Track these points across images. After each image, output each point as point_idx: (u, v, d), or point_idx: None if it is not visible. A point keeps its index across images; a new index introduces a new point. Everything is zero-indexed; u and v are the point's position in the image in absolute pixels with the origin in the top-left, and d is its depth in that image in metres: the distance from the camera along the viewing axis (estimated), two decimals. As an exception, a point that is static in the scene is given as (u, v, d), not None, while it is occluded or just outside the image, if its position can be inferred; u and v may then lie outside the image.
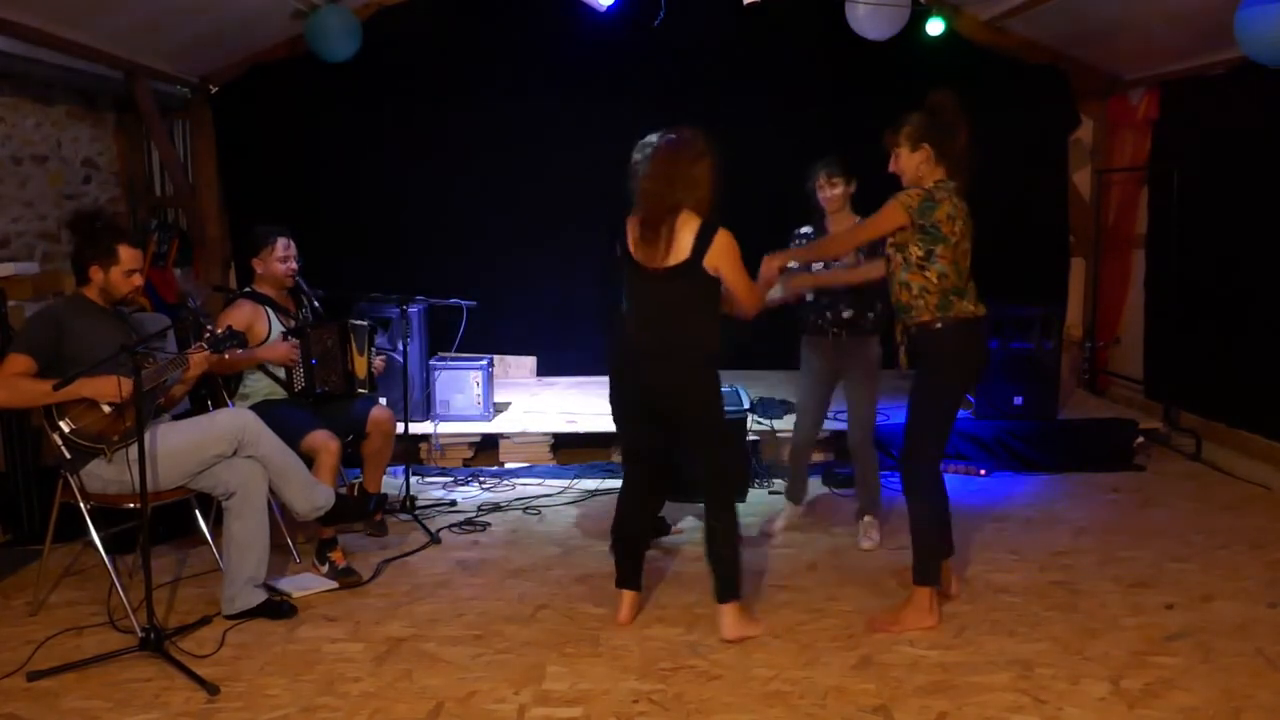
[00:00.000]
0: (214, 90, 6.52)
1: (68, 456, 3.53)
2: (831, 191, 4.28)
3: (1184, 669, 3.30)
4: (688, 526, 4.64)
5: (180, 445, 3.64)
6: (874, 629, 3.57)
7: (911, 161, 3.54)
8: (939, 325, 3.50)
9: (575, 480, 5.48)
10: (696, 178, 3.37)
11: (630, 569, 3.68)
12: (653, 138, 4.04)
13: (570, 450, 5.88)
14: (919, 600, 3.60)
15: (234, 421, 3.74)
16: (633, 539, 3.68)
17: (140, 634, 3.34)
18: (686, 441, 3.56)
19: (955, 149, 3.51)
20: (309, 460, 4.02)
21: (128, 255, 3.70)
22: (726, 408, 4.99)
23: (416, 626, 3.64)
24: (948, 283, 3.48)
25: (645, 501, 3.72)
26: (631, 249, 3.44)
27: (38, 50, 4.98)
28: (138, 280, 3.78)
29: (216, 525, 3.96)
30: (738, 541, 3.60)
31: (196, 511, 4.09)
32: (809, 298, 4.36)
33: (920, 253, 3.47)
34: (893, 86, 6.38)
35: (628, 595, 3.67)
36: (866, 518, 4.48)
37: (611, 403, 3.65)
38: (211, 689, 3.13)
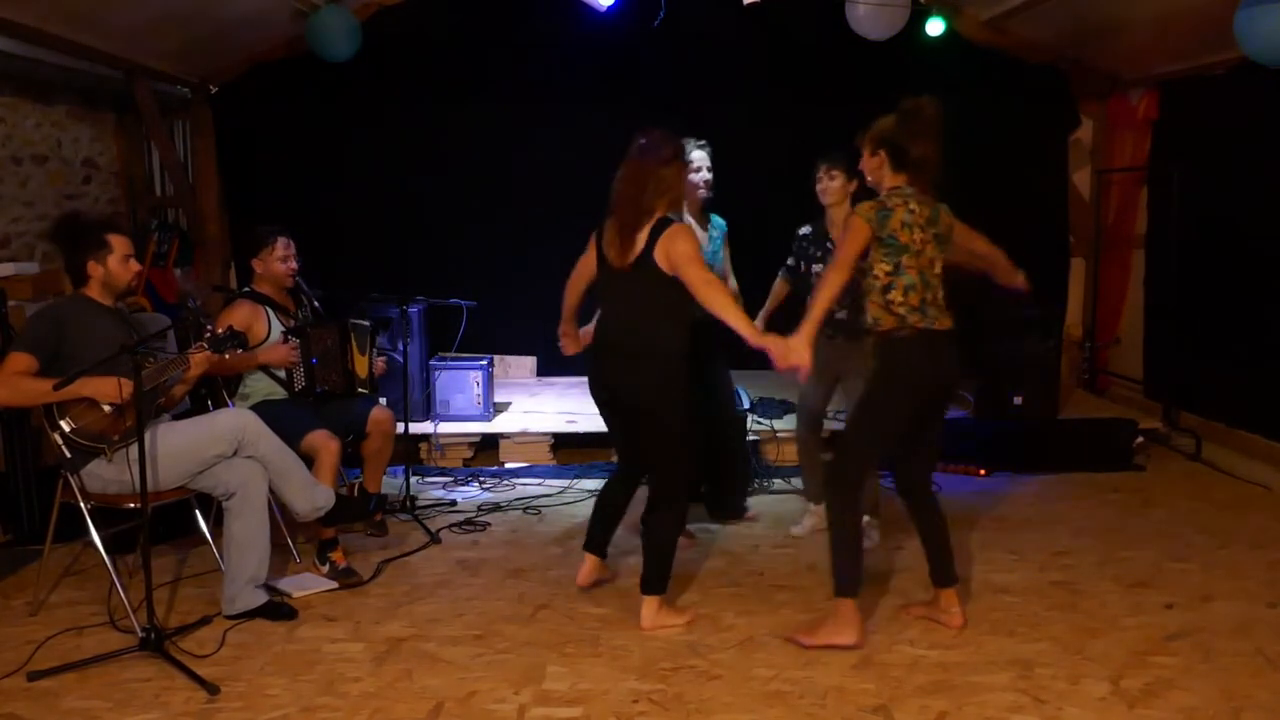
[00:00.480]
0: (214, 90, 6.52)
1: (68, 456, 3.53)
2: (830, 184, 4.28)
3: (1184, 669, 3.30)
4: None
5: (180, 445, 3.64)
6: (789, 639, 3.48)
7: (870, 165, 3.53)
8: (903, 334, 3.39)
9: (575, 480, 5.48)
10: (667, 180, 3.47)
11: (598, 534, 3.89)
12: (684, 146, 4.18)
13: (570, 450, 5.88)
14: (838, 612, 3.43)
15: (234, 422, 3.74)
16: (609, 509, 3.88)
17: (140, 634, 3.34)
18: (641, 437, 3.62)
19: (913, 158, 3.40)
20: (309, 460, 4.02)
21: (118, 241, 3.71)
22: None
23: (416, 626, 3.64)
24: (915, 296, 3.37)
25: (627, 486, 3.87)
26: (605, 248, 3.55)
27: (38, 50, 4.98)
28: (136, 266, 3.78)
29: (216, 525, 3.96)
30: (672, 540, 3.64)
31: (196, 511, 4.09)
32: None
33: (888, 267, 3.38)
34: (893, 86, 6.38)
35: (589, 558, 3.89)
36: (865, 518, 4.43)
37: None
38: (211, 689, 3.13)
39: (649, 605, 3.61)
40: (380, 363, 4.77)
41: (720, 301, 3.37)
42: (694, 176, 4.30)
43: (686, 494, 3.73)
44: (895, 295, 3.38)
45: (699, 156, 4.32)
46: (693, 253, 3.40)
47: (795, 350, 3.35)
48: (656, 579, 3.60)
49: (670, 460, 3.56)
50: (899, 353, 3.42)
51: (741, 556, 4.35)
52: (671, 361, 3.48)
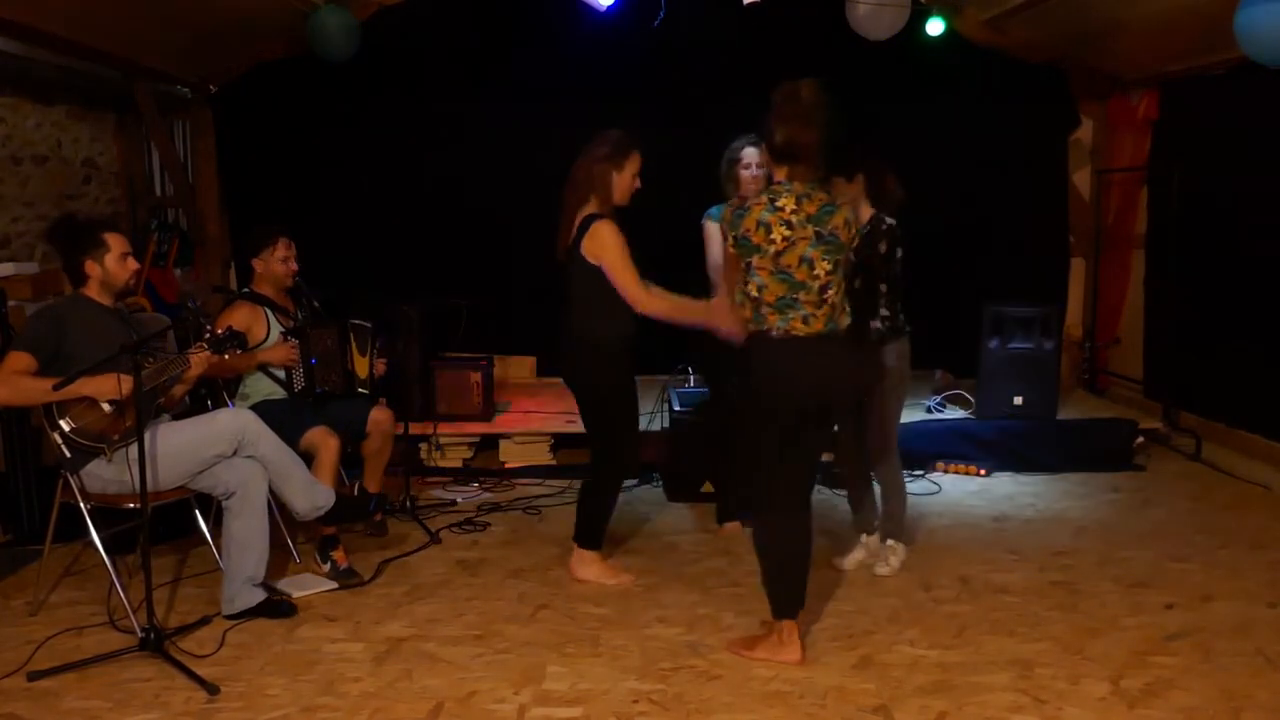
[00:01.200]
0: (214, 90, 6.52)
1: (68, 456, 3.52)
2: None
3: (1184, 669, 3.30)
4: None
5: (180, 445, 3.63)
6: (728, 649, 3.43)
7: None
8: (754, 341, 3.22)
9: (575, 480, 5.46)
10: (596, 177, 3.65)
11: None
12: (738, 143, 4.30)
13: (570, 450, 5.87)
14: (779, 634, 3.34)
15: (234, 421, 3.74)
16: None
17: (140, 634, 3.34)
18: (581, 415, 3.90)
19: (776, 145, 3.16)
20: (309, 458, 4.02)
21: (115, 240, 3.71)
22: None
23: (416, 626, 3.64)
24: (768, 294, 3.16)
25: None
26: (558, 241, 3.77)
27: (38, 50, 4.98)
28: (134, 264, 3.78)
29: (216, 525, 3.96)
30: (604, 503, 3.93)
31: (196, 511, 4.08)
32: None
33: (742, 265, 3.21)
34: (893, 86, 6.37)
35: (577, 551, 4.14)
36: (889, 541, 4.12)
37: None
38: (211, 689, 3.13)
39: (577, 554, 3.98)
40: (381, 363, 4.76)
41: (654, 306, 3.60)
42: (744, 173, 4.25)
43: (619, 475, 3.93)
44: (739, 295, 3.24)
45: (750, 153, 4.26)
46: (616, 251, 3.58)
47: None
48: (585, 535, 3.96)
49: (603, 442, 3.79)
50: (755, 355, 3.23)
51: (741, 557, 4.35)
52: (601, 348, 3.65)
